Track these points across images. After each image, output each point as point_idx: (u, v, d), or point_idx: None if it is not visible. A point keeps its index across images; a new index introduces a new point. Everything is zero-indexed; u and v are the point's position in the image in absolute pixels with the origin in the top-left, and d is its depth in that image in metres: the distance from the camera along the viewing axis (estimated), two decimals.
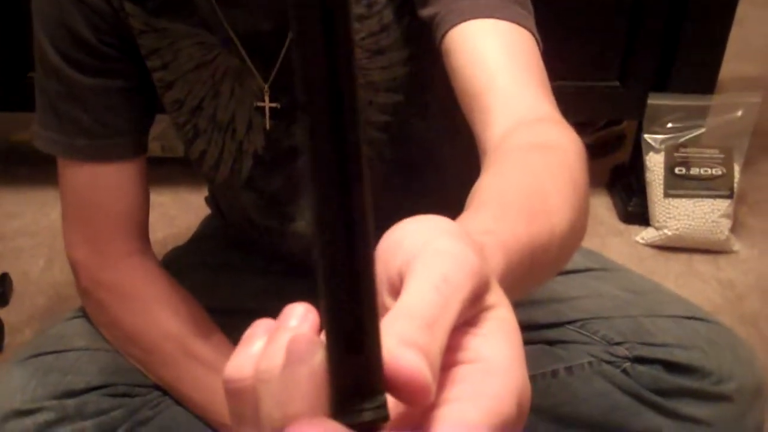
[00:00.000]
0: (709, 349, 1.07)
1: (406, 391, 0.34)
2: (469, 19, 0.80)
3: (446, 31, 0.81)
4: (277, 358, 0.36)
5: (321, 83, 0.30)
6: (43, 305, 1.58)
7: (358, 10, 0.90)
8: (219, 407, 0.99)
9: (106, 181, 1.00)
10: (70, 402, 0.97)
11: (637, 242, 1.81)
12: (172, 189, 1.85)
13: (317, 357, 0.35)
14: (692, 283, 1.70)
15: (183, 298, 1.05)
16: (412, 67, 0.95)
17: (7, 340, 1.50)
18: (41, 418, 0.95)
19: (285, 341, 0.36)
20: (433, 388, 0.35)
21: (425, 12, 0.85)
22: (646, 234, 1.81)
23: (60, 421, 0.96)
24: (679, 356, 1.06)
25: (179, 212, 1.80)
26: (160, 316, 1.03)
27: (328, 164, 0.31)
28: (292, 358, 0.35)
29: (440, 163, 1.08)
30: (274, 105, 0.97)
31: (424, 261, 0.38)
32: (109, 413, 0.99)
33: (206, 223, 1.32)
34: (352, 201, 0.31)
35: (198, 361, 1.02)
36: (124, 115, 0.98)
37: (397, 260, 0.39)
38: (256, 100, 0.97)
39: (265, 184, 1.04)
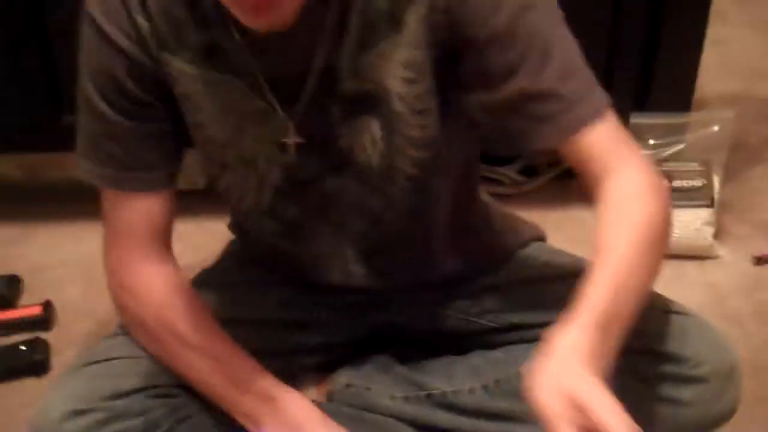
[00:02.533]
0: (685, 338, 1.17)
1: None
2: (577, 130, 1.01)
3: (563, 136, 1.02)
4: None
5: None
6: (84, 329, 1.68)
7: (409, 74, 1.01)
8: (218, 392, 1.11)
9: (138, 207, 1.13)
10: (119, 403, 1.09)
11: None
12: (195, 219, 1.95)
13: None
14: (679, 287, 1.78)
15: (190, 300, 1.17)
16: (442, 131, 1.07)
17: (53, 360, 1.61)
18: (94, 417, 1.07)
19: None
20: None
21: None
22: None
23: (110, 420, 1.07)
24: (657, 345, 1.16)
25: (203, 240, 1.90)
26: (169, 315, 1.14)
27: None
28: None
29: (451, 220, 1.23)
30: (294, 141, 1.08)
31: None
32: (153, 412, 1.10)
33: (229, 247, 1.43)
34: None
35: (197, 352, 1.12)
36: (158, 152, 1.10)
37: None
38: (278, 137, 1.07)
39: (284, 212, 1.15)
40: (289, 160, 1.09)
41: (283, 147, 1.08)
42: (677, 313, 1.21)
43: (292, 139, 1.07)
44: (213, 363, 1.13)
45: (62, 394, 1.10)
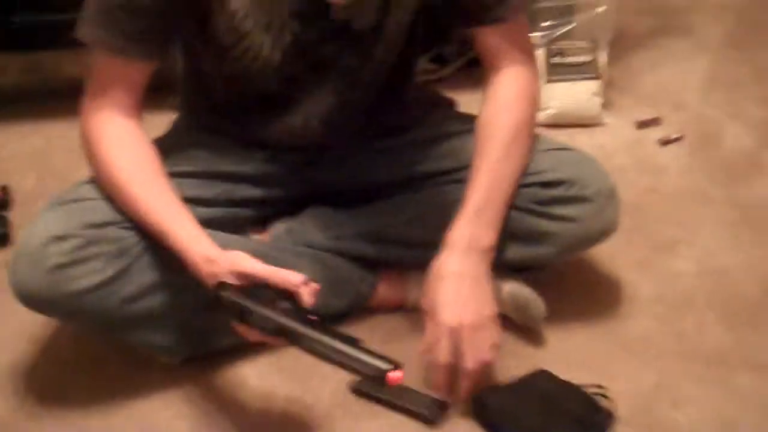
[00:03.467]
0: (571, 167, 1.36)
1: None
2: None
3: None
4: None
5: None
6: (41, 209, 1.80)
7: None
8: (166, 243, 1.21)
9: (125, 71, 1.26)
10: (94, 231, 1.21)
11: None
12: None
13: None
14: None
15: (143, 147, 1.28)
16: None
17: (13, 234, 1.72)
18: (74, 242, 1.19)
19: None
20: None
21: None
22: None
23: (87, 244, 1.20)
24: (549, 176, 1.34)
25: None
26: (119, 156, 1.25)
27: None
28: None
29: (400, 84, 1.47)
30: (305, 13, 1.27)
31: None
32: (125, 240, 1.24)
33: (176, 122, 1.54)
34: None
35: (144, 204, 1.22)
36: (164, 32, 1.26)
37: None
38: (291, 7, 1.26)
39: (287, 69, 1.31)
40: (298, 27, 1.27)
41: (294, 14, 1.26)
42: (562, 149, 1.40)
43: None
44: (159, 218, 1.21)
45: (42, 224, 1.21)
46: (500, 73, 1.35)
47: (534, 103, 1.37)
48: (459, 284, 1.24)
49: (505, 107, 1.33)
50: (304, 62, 1.32)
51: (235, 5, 1.24)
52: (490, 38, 1.34)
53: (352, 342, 1.06)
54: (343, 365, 1.05)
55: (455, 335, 1.21)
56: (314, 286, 1.12)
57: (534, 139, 1.36)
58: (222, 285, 1.12)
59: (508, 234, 1.35)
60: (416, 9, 1.35)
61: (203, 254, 1.16)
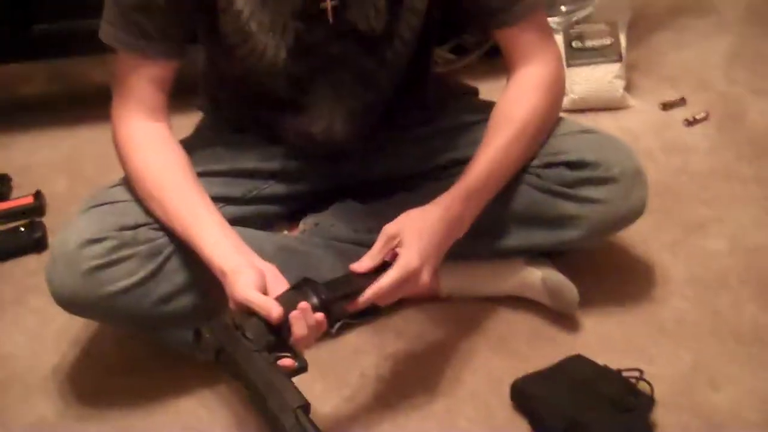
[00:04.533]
0: (596, 148, 1.32)
1: None
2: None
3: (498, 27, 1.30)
4: None
5: None
6: (74, 213, 1.79)
7: None
8: (199, 235, 1.16)
9: (147, 71, 1.24)
10: (127, 233, 1.20)
11: None
12: None
13: None
14: None
15: (172, 151, 1.26)
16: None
17: (49, 239, 1.71)
18: (107, 244, 1.18)
19: None
20: None
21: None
22: None
23: (121, 246, 1.19)
24: (574, 156, 1.31)
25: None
26: (149, 161, 1.24)
27: None
28: None
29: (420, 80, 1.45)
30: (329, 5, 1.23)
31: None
32: (156, 240, 1.22)
33: (201, 123, 1.53)
34: None
35: (174, 205, 1.20)
36: (178, 28, 1.23)
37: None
38: (293, 8, 1.22)
39: (294, 70, 1.28)
40: (300, 27, 1.24)
41: (296, 15, 1.23)
42: (586, 132, 1.36)
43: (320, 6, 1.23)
44: (184, 223, 1.19)
45: (77, 227, 1.21)
46: (517, 70, 1.31)
47: (550, 97, 1.31)
48: (415, 231, 1.18)
49: (516, 102, 1.30)
50: (310, 63, 1.29)
51: (240, 5, 1.22)
52: (503, 38, 1.32)
53: (287, 409, 0.93)
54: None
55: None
56: (318, 317, 1.05)
57: (545, 130, 1.33)
58: (209, 322, 1.05)
59: (536, 219, 1.33)
60: (426, 13, 1.30)
61: (219, 266, 1.11)
